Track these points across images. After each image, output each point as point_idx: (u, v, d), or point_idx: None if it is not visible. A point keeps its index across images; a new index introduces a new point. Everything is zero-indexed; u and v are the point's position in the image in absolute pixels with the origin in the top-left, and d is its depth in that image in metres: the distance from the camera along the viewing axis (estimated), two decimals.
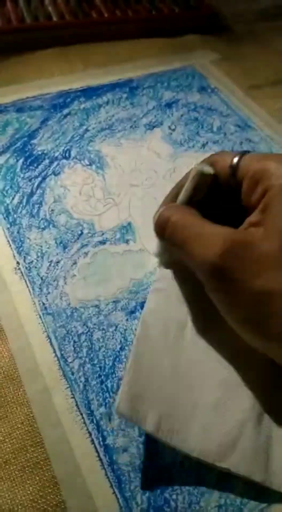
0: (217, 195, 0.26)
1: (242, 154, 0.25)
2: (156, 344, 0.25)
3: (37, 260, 0.31)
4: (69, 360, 0.27)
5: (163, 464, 0.24)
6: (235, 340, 0.23)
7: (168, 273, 0.28)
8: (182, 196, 0.26)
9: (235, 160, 0.25)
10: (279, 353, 0.22)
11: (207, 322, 0.26)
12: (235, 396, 0.24)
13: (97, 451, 0.24)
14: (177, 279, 0.28)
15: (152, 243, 0.32)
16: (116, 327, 0.28)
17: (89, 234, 0.33)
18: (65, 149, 0.38)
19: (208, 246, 0.22)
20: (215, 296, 0.23)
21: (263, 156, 0.24)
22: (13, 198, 0.34)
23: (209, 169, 0.25)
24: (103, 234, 0.33)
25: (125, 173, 0.37)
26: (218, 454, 0.23)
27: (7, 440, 0.24)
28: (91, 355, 0.27)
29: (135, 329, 0.28)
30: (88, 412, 0.25)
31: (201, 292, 0.24)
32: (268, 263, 0.21)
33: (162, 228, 0.25)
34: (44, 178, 0.36)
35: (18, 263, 0.31)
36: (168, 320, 0.26)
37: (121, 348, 0.27)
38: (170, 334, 0.26)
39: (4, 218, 0.33)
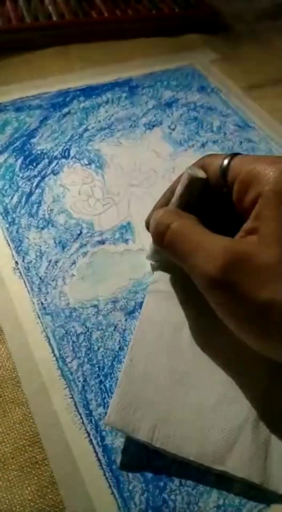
0: (208, 198, 0.26)
1: (232, 156, 0.25)
2: (152, 350, 0.25)
3: (36, 260, 0.31)
4: (68, 360, 0.27)
5: (162, 464, 0.24)
6: (233, 343, 0.24)
7: (165, 275, 0.28)
8: (176, 201, 0.26)
9: (225, 162, 0.25)
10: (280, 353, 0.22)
11: (204, 326, 0.26)
12: (233, 399, 0.24)
13: (95, 451, 0.24)
14: (173, 282, 0.28)
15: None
16: (115, 327, 0.28)
17: (89, 234, 0.33)
18: (65, 148, 0.38)
19: (208, 259, 0.22)
20: (217, 307, 0.23)
21: (253, 159, 0.24)
22: (12, 198, 0.34)
23: (202, 174, 0.25)
24: (102, 233, 0.33)
25: (124, 172, 0.37)
26: (216, 457, 0.23)
27: (5, 440, 0.24)
28: (90, 355, 0.27)
29: (134, 329, 0.28)
30: (87, 412, 0.25)
31: (197, 295, 0.24)
32: (267, 274, 0.21)
33: (161, 235, 0.25)
34: (43, 178, 0.36)
35: (17, 262, 0.31)
36: (164, 323, 0.26)
37: (120, 348, 0.27)
38: (166, 338, 0.26)
39: (3, 218, 0.33)
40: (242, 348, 0.23)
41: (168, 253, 0.25)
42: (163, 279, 0.28)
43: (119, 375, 0.25)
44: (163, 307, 0.27)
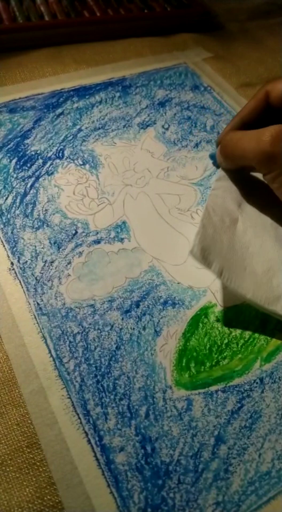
0: (273, 120, 0.31)
1: None
2: (216, 225, 0.30)
3: (32, 260, 0.31)
4: (65, 360, 0.27)
5: (160, 463, 0.24)
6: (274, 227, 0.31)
7: (225, 175, 0.34)
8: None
9: None
10: None
11: (252, 214, 0.32)
12: (280, 268, 0.29)
13: (94, 451, 0.24)
14: (232, 179, 0.34)
15: (146, 242, 0.32)
16: (111, 326, 0.28)
17: (84, 234, 0.33)
18: (59, 149, 0.38)
19: (259, 141, 0.28)
20: (271, 180, 0.29)
21: None
22: (6, 198, 0.34)
23: None
24: (98, 233, 0.33)
25: (119, 172, 0.37)
26: (268, 300, 0.28)
27: (3, 441, 0.24)
28: (87, 355, 0.27)
29: (132, 328, 0.28)
30: (85, 412, 0.25)
31: (252, 187, 0.32)
32: None
33: (224, 151, 0.33)
34: (37, 178, 0.36)
35: (12, 263, 0.31)
36: (224, 213, 0.31)
37: (117, 348, 0.27)
38: (226, 224, 0.31)
39: None
40: None
41: (232, 159, 0.32)
42: (223, 177, 0.34)
43: (198, 227, 0.29)
44: (222, 200, 0.32)
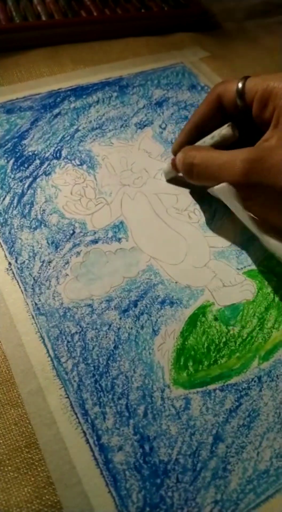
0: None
1: (244, 79, 0.28)
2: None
3: (29, 260, 0.31)
4: (63, 360, 0.27)
5: (158, 462, 0.24)
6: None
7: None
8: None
9: (240, 85, 0.28)
10: None
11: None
12: None
13: (92, 450, 0.24)
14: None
15: (144, 242, 0.32)
16: (109, 326, 0.28)
17: (81, 234, 0.33)
18: (56, 149, 0.38)
19: (231, 173, 0.26)
20: (252, 209, 0.28)
21: (265, 78, 0.28)
22: (3, 199, 0.34)
23: (233, 133, 0.30)
24: (95, 233, 0.33)
25: (116, 172, 0.37)
26: None
27: (1, 441, 0.24)
28: (85, 354, 0.27)
29: (130, 327, 0.28)
30: (83, 411, 0.25)
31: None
32: None
33: (190, 173, 0.30)
34: (35, 178, 0.36)
35: (10, 263, 0.31)
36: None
37: (115, 347, 0.27)
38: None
39: None
40: None
41: (200, 183, 0.30)
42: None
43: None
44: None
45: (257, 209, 0.28)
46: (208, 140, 0.32)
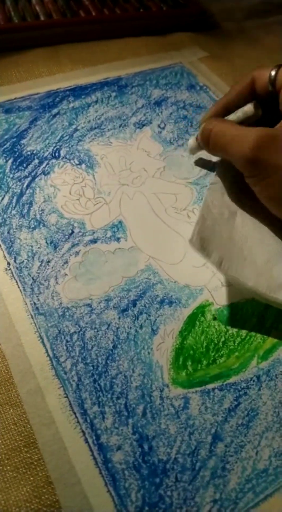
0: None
1: (279, 66, 0.31)
2: (215, 217, 0.30)
3: (28, 260, 0.31)
4: (62, 359, 0.27)
5: (157, 461, 0.24)
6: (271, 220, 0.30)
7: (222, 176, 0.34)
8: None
9: (273, 73, 0.30)
10: None
11: (251, 212, 0.32)
12: (279, 259, 0.29)
13: (91, 450, 0.24)
14: (221, 174, 0.33)
15: (143, 241, 0.32)
16: (108, 325, 0.28)
17: (80, 233, 0.33)
18: (55, 149, 0.38)
19: (242, 144, 0.28)
20: (252, 183, 0.29)
21: None
22: (2, 199, 0.34)
23: (256, 111, 0.31)
24: (94, 233, 0.33)
25: (115, 172, 0.37)
26: (269, 288, 0.28)
27: (0, 441, 0.24)
28: (84, 354, 0.27)
29: (129, 327, 0.28)
30: (82, 411, 0.25)
31: (240, 182, 0.30)
32: None
33: (206, 140, 0.32)
34: (34, 178, 0.36)
35: (8, 263, 0.31)
36: (223, 206, 0.31)
37: (114, 347, 0.27)
38: (224, 216, 0.31)
39: None
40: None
41: (214, 152, 0.32)
42: (221, 171, 0.33)
43: (197, 217, 0.30)
44: (220, 195, 0.32)
45: (259, 190, 0.29)
46: (231, 116, 0.33)
